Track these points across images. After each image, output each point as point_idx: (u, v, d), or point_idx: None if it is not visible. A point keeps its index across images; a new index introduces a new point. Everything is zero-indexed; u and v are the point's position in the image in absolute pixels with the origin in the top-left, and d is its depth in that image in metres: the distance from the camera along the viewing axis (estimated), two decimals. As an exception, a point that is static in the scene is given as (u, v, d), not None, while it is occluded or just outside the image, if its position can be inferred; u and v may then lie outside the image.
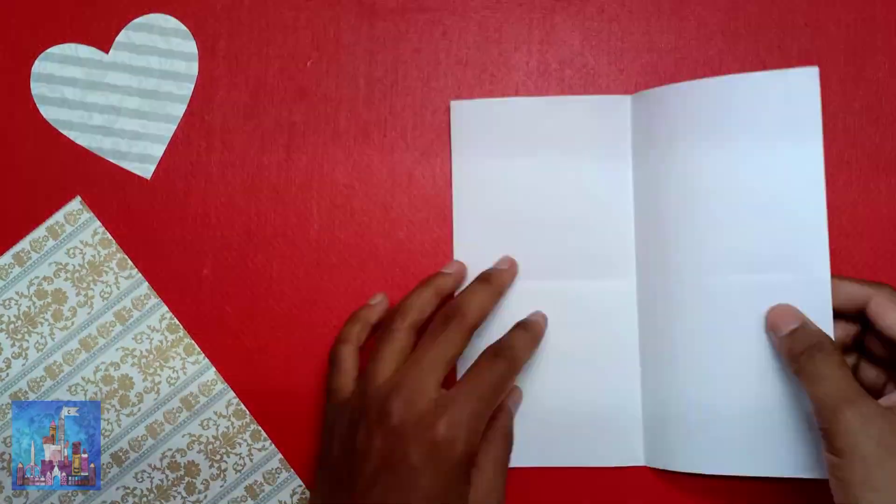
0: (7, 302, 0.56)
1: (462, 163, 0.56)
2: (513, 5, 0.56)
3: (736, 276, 0.51)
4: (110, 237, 0.56)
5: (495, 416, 0.50)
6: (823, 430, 0.45)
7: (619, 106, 0.54)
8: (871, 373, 0.51)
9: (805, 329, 0.48)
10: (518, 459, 0.53)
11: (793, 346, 0.48)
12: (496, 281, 0.53)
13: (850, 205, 0.55)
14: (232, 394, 0.56)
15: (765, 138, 0.51)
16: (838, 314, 0.50)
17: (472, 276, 0.54)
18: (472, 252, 0.55)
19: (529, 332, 0.52)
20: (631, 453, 0.54)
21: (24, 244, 0.56)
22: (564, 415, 0.54)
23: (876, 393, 0.50)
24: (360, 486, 0.45)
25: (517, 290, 0.54)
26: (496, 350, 0.49)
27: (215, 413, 0.56)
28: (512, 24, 0.56)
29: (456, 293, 0.53)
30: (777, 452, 0.51)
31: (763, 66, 0.55)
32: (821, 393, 0.45)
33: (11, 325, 0.56)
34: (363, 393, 0.48)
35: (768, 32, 0.55)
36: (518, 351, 0.50)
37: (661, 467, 0.53)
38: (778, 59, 0.55)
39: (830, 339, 0.48)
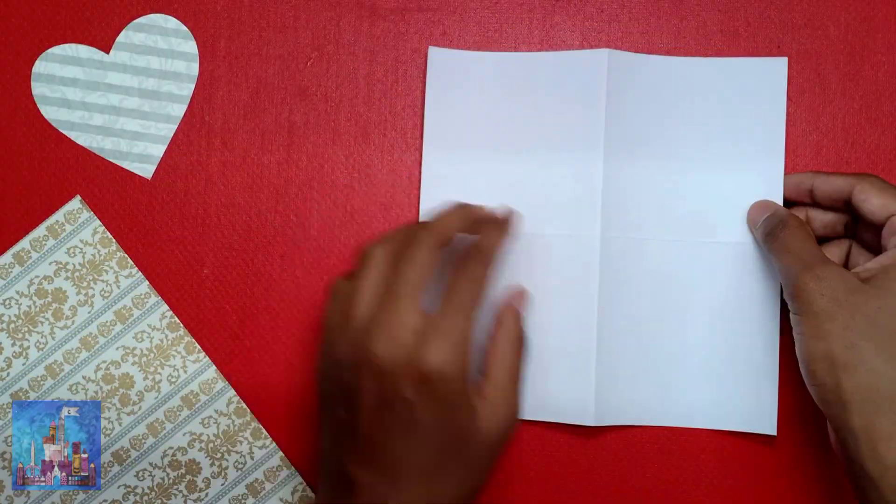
0: (7, 301, 0.56)
1: (434, 109, 0.56)
2: (513, 5, 0.56)
3: (695, 238, 0.55)
4: (110, 236, 0.56)
5: (501, 320, 0.50)
6: (788, 298, 0.48)
7: (596, 61, 0.54)
8: (861, 258, 0.52)
9: (774, 214, 0.51)
10: None
11: (764, 229, 0.51)
12: (469, 207, 0.51)
13: (849, 204, 0.55)
14: (232, 392, 0.56)
15: (731, 118, 0.54)
16: (828, 207, 0.52)
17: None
18: (439, 193, 0.55)
19: (499, 224, 0.51)
20: (582, 411, 0.54)
21: (24, 243, 0.56)
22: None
23: None
24: (363, 429, 0.45)
25: None
26: (467, 258, 0.47)
27: (216, 411, 0.56)
28: (512, 24, 0.56)
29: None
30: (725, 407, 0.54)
31: (762, 66, 0.55)
32: (785, 263, 0.49)
33: (12, 325, 0.56)
34: (347, 333, 0.46)
35: (767, 32, 0.55)
36: (488, 247, 0.48)
37: (608, 423, 0.54)
38: (777, 58, 0.55)
39: (795, 216, 0.50)
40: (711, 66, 0.55)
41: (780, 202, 0.53)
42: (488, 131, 0.55)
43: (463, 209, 0.50)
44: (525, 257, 0.55)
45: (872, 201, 0.49)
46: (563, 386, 0.54)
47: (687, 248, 0.54)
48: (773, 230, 0.50)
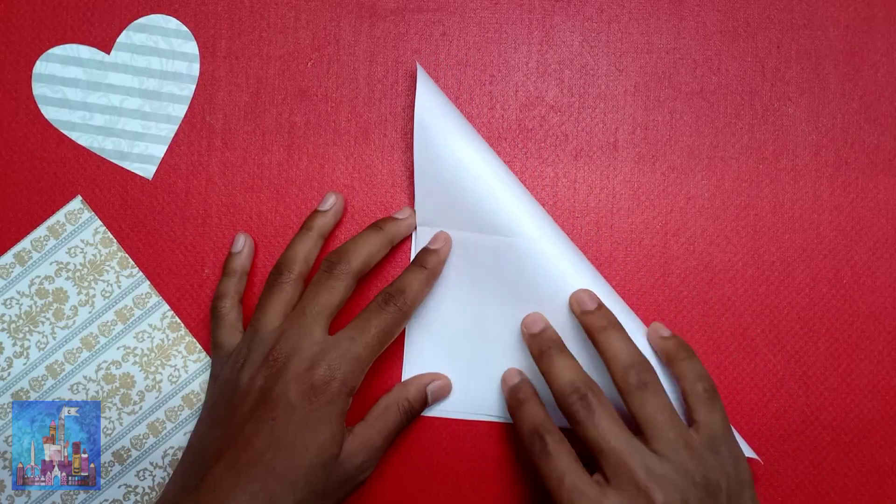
0: (8, 301, 0.56)
1: (423, 114, 0.54)
2: (513, 5, 0.56)
3: None
4: (111, 236, 0.56)
5: (406, 385, 0.53)
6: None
7: None
8: None
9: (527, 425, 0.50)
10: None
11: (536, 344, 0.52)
12: (389, 230, 0.53)
13: (849, 204, 0.55)
14: (232, 392, 0.56)
15: None
16: None
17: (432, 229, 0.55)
18: (431, 196, 0.55)
19: (427, 269, 0.52)
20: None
21: (24, 243, 0.56)
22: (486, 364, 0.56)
23: None
24: (236, 420, 0.48)
25: (471, 243, 0.54)
26: (388, 296, 0.50)
27: (216, 412, 0.56)
28: (512, 25, 0.56)
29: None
30: None
31: (762, 66, 0.55)
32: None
33: (13, 325, 0.56)
34: (250, 340, 0.51)
35: (767, 32, 0.55)
36: (411, 293, 0.51)
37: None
38: (776, 59, 0.55)
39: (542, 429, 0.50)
40: None
41: None
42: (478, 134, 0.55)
43: (384, 239, 0.53)
44: (517, 258, 0.54)
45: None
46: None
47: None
48: (531, 444, 0.50)
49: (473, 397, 0.55)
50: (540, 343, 0.51)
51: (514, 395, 0.52)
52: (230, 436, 0.47)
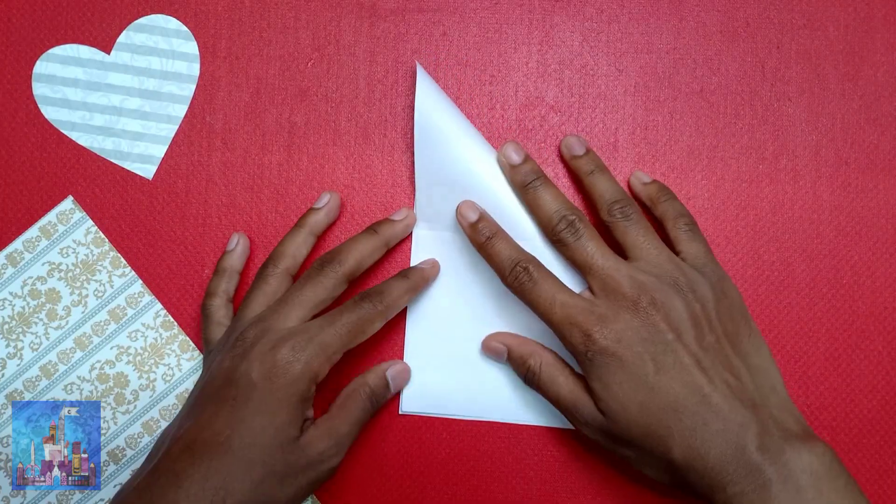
0: (1, 303, 0.56)
1: (424, 113, 0.54)
2: (513, 6, 0.56)
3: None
4: (103, 236, 0.56)
5: (366, 373, 0.53)
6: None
7: None
8: None
9: (514, 353, 0.53)
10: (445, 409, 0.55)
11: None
12: (384, 232, 0.53)
13: (849, 204, 0.55)
14: (230, 391, 0.55)
15: None
16: None
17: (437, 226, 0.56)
18: (431, 196, 0.55)
19: (409, 280, 0.52)
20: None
21: (16, 244, 0.56)
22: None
23: None
24: (201, 401, 0.48)
25: (470, 243, 0.54)
26: (364, 294, 0.51)
27: (213, 410, 0.55)
28: (512, 25, 0.56)
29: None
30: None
31: (762, 66, 0.56)
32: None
33: (6, 326, 0.56)
34: (230, 330, 0.51)
35: (767, 32, 0.56)
36: (389, 298, 0.51)
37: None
38: (776, 59, 0.56)
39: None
40: None
41: None
42: (477, 134, 0.55)
43: (379, 241, 0.53)
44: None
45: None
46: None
47: None
48: (527, 379, 0.52)
49: (473, 398, 0.55)
50: (523, 176, 0.52)
51: (478, 232, 0.52)
52: (194, 416, 0.47)
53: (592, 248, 0.49)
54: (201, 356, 0.56)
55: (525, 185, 0.52)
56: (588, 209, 0.55)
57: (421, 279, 0.53)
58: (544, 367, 0.51)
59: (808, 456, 0.44)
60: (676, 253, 0.51)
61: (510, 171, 0.52)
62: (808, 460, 0.43)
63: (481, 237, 0.51)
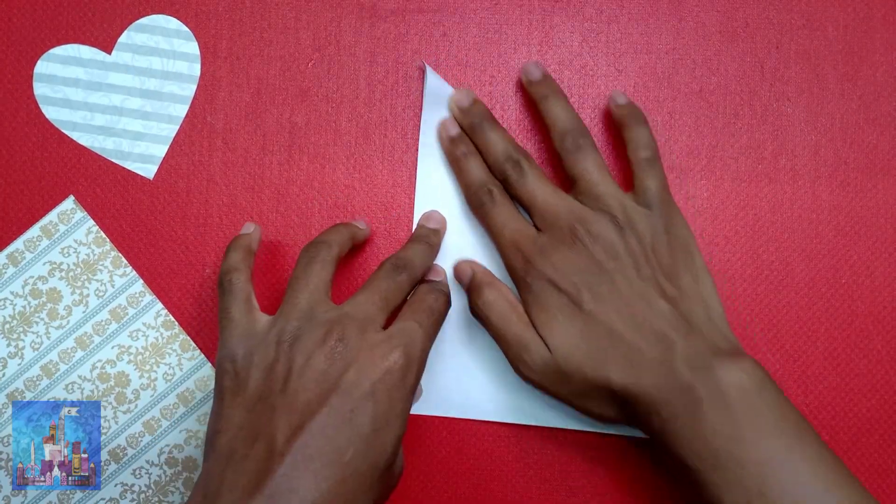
0: (2, 302, 0.56)
1: (430, 116, 0.56)
2: (513, 6, 0.57)
3: None
4: (104, 235, 0.56)
5: (422, 288, 0.51)
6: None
7: None
8: None
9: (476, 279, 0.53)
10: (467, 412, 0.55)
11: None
12: (435, 243, 0.53)
13: (847, 204, 0.55)
14: (230, 390, 0.55)
15: None
16: None
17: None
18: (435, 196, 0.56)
19: (430, 244, 0.53)
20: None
21: (18, 244, 0.56)
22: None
23: None
24: (298, 407, 0.43)
25: (473, 245, 0.56)
26: (396, 264, 0.50)
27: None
28: (512, 25, 0.57)
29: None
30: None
31: (761, 67, 0.56)
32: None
33: (7, 325, 0.56)
34: (299, 317, 0.46)
35: (766, 33, 0.56)
36: (416, 266, 0.50)
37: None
38: (775, 59, 0.56)
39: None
40: None
41: None
42: None
43: (434, 251, 0.53)
44: None
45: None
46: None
47: None
48: (476, 308, 0.52)
49: (473, 397, 0.55)
50: (471, 118, 0.54)
51: (455, 146, 0.53)
52: (295, 425, 0.43)
53: (535, 185, 0.51)
54: (202, 356, 0.56)
55: (473, 128, 0.53)
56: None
57: (439, 241, 0.54)
58: (500, 300, 0.51)
59: (737, 373, 0.45)
60: (632, 183, 0.52)
61: (459, 115, 0.54)
62: (737, 377, 0.44)
63: (458, 152, 0.53)
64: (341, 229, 0.52)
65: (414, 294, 0.50)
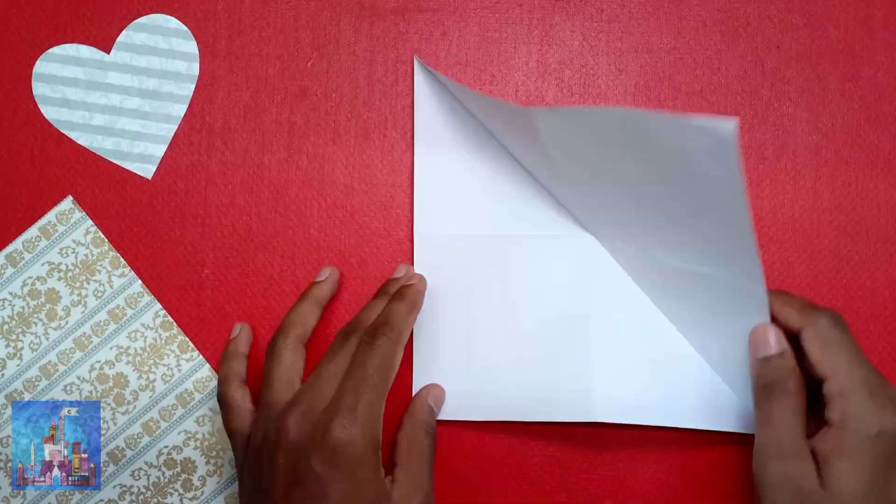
0: (1, 303, 0.56)
1: (424, 112, 0.55)
2: (513, 5, 0.56)
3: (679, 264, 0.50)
4: (103, 236, 0.56)
5: (412, 410, 0.52)
6: (754, 468, 0.45)
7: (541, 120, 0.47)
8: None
9: (776, 365, 0.46)
10: (471, 413, 0.54)
11: (761, 379, 0.47)
12: (391, 290, 0.52)
13: (849, 204, 0.55)
14: (228, 390, 0.55)
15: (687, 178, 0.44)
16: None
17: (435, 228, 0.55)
18: (433, 196, 0.55)
19: (406, 300, 0.51)
20: (584, 407, 0.53)
21: (16, 244, 0.56)
22: (524, 373, 0.54)
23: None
24: None
25: (473, 242, 0.55)
26: (371, 331, 0.48)
27: (210, 409, 0.55)
28: (512, 25, 0.56)
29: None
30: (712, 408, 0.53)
31: (762, 67, 0.55)
32: (761, 432, 0.46)
33: (5, 326, 0.56)
34: (263, 419, 0.48)
35: (767, 32, 0.56)
36: (397, 325, 0.49)
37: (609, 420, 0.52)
38: (776, 58, 0.55)
39: (798, 378, 0.46)
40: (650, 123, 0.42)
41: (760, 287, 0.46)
42: (478, 132, 0.55)
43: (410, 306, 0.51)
44: (521, 258, 0.54)
45: (813, 354, 0.45)
46: (561, 385, 0.53)
47: (682, 270, 0.50)
48: (770, 387, 0.46)
49: (482, 399, 0.54)
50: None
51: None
52: None
53: None
54: (200, 357, 0.56)
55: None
56: None
57: (416, 294, 0.52)
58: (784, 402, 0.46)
59: None
60: None
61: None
62: None
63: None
64: (302, 308, 0.52)
65: (356, 349, 0.48)
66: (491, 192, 0.55)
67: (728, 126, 0.38)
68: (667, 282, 0.52)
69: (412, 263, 0.55)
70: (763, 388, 0.46)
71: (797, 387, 0.45)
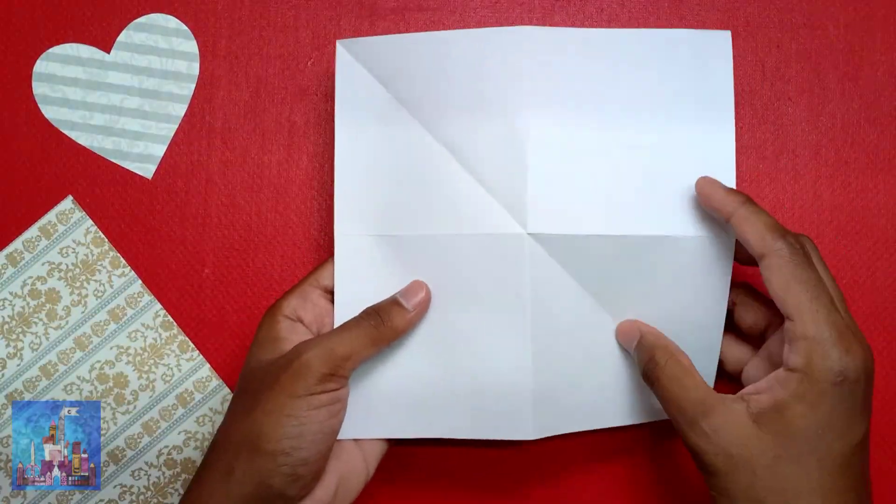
0: (1, 303, 0.56)
1: (346, 98, 0.50)
2: (513, 5, 0.56)
3: (639, 232, 0.48)
4: (103, 236, 0.56)
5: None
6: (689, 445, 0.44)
7: (516, 39, 0.48)
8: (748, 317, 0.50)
9: (641, 344, 0.48)
10: (401, 430, 0.50)
11: (640, 367, 0.48)
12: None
13: (849, 204, 0.55)
14: (227, 390, 0.55)
15: (673, 94, 0.49)
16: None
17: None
18: (354, 196, 0.50)
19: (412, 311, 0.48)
20: (520, 425, 0.49)
21: (17, 244, 0.56)
22: (452, 383, 0.50)
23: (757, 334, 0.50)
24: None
25: (408, 245, 0.50)
26: (371, 310, 0.48)
27: (210, 409, 0.55)
28: (512, 25, 0.56)
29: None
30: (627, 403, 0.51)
31: (762, 66, 0.56)
32: (670, 413, 0.45)
33: (6, 326, 0.56)
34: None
35: (767, 32, 0.56)
36: (392, 322, 0.47)
37: (548, 434, 0.50)
38: (776, 58, 0.55)
39: (664, 346, 0.47)
40: (648, 38, 0.49)
41: (732, 181, 0.48)
42: (405, 122, 0.50)
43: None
44: (448, 260, 0.49)
45: (774, 287, 0.43)
46: (499, 401, 0.49)
47: (630, 243, 0.48)
48: (646, 371, 0.46)
49: (411, 413, 0.50)
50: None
51: None
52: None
53: None
54: (200, 357, 0.56)
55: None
56: None
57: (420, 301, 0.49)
58: (671, 362, 0.45)
59: None
60: None
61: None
62: None
63: None
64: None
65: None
66: (419, 190, 0.50)
67: (723, 33, 0.49)
68: (609, 266, 0.49)
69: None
70: (645, 375, 0.47)
71: (670, 353, 0.46)
